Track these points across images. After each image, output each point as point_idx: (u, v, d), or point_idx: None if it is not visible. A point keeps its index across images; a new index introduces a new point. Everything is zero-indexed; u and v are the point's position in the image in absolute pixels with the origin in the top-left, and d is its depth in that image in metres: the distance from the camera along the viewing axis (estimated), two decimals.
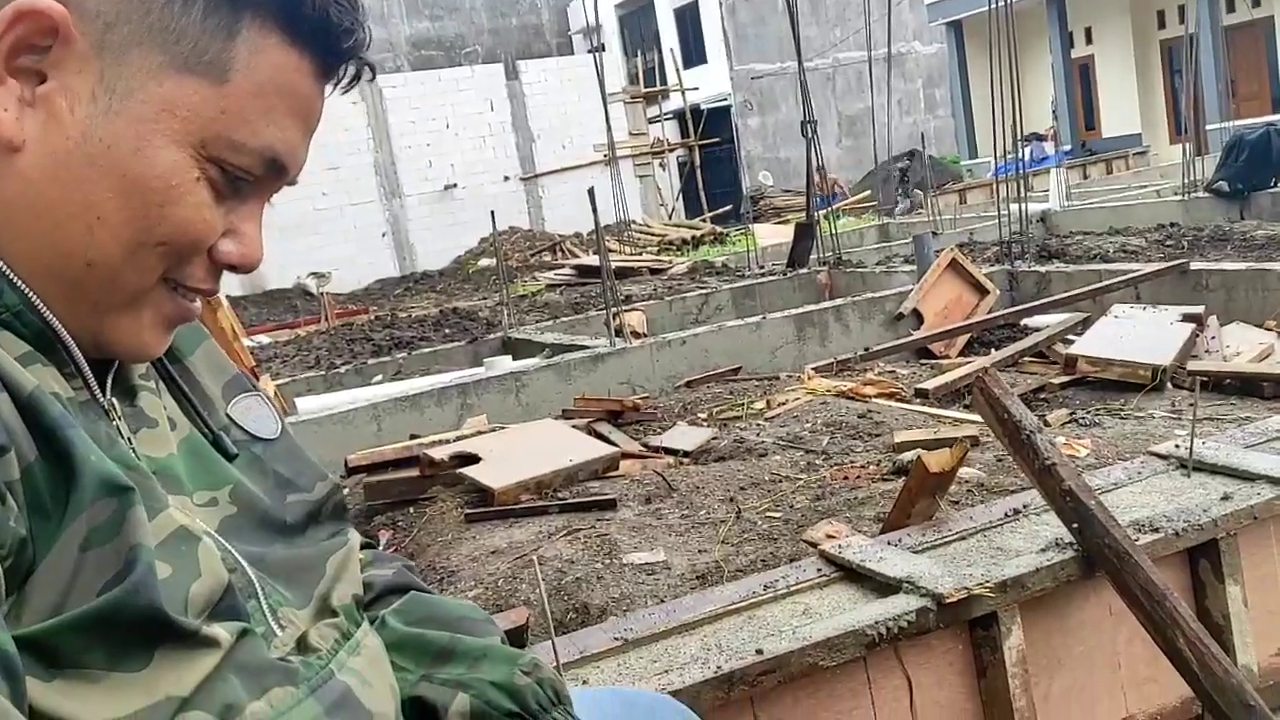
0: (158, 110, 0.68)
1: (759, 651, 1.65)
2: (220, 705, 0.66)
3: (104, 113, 0.68)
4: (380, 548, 1.06)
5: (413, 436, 4.46)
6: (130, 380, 0.78)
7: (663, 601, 2.34)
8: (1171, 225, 8.39)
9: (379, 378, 6.28)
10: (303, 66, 0.73)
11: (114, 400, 0.75)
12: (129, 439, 0.73)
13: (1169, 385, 4.15)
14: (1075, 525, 1.83)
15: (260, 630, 0.73)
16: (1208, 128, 15.38)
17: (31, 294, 0.69)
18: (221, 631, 0.68)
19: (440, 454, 3.70)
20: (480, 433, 4.12)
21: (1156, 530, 1.93)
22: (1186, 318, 4.50)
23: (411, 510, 3.63)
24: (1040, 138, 18.52)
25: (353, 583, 0.85)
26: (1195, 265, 5.41)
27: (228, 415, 0.86)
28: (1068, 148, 19.77)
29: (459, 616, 0.96)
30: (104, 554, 0.63)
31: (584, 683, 1.68)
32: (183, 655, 0.65)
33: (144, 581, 0.63)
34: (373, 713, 0.77)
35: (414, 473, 3.74)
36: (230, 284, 14.47)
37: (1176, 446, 2.38)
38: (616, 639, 1.80)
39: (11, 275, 0.68)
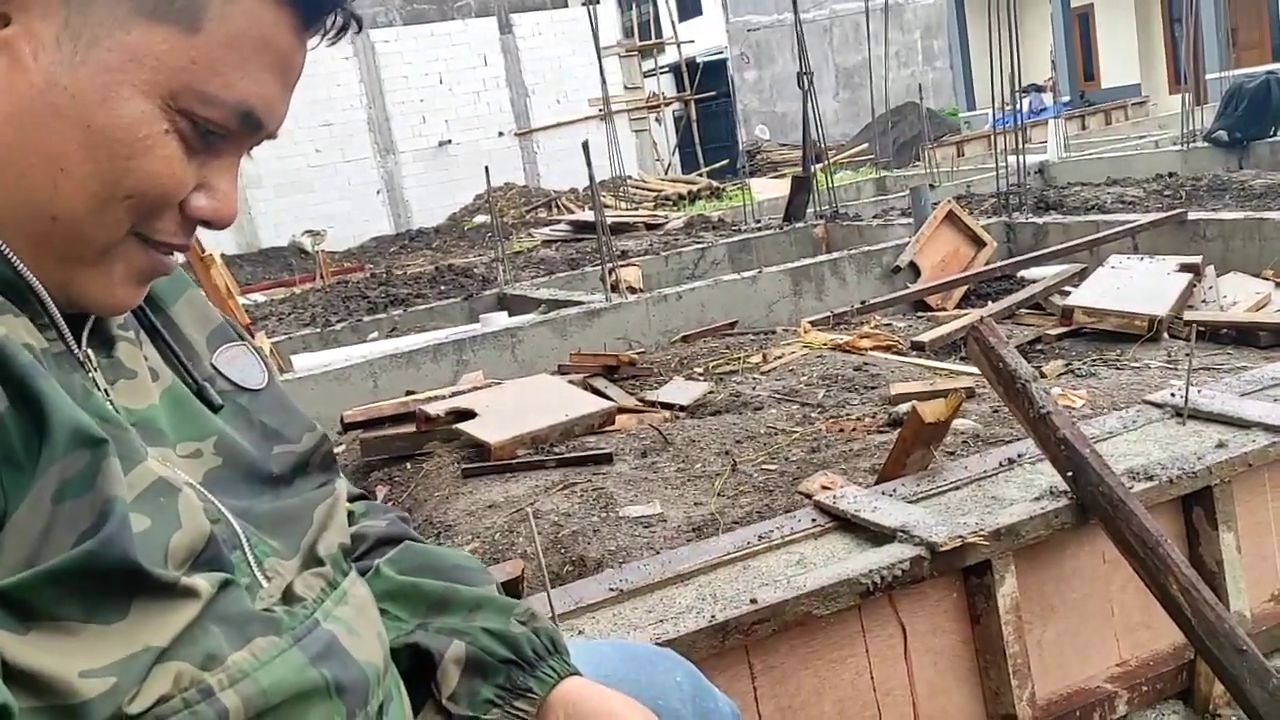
0: (125, 59, 0.66)
1: (753, 601, 1.65)
2: (201, 655, 0.66)
3: (69, 60, 0.65)
4: (378, 502, 1.05)
5: (409, 393, 4.46)
6: (108, 331, 0.76)
7: (658, 553, 2.35)
8: (1170, 175, 8.34)
9: (375, 335, 6.28)
10: (281, 18, 0.70)
11: (90, 352, 0.73)
12: (105, 390, 0.72)
13: (1165, 335, 4.15)
14: (1069, 473, 1.83)
15: (245, 581, 0.72)
16: (1207, 77, 15.24)
17: (1, 244, 0.67)
18: (202, 582, 0.67)
19: (436, 410, 3.70)
20: (476, 388, 4.12)
21: (1151, 478, 1.93)
22: (1183, 268, 4.49)
23: (408, 466, 3.64)
24: (1039, 89, 18.36)
25: (339, 531, 0.84)
26: (1193, 215, 5.38)
27: (213, 365, 0.84)
28: (1066, 99, 19.61)
29: (454, 565, 0.96)
30: (78, 506, 0.62)
31: (580, 633, 1.69)
32: (161, 606, 0.65)
33: (118, 534, 0.62)
34: (359, 661, 0.77)
35: (410, 428, 3.74)
36: (225, 243, 14.40)
37: (1172, 395, 2.38)
38: (612, 590, 1.81)
39: None
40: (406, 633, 0.90)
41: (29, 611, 0.60)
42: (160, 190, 0.69)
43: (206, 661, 0.66)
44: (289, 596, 0.75)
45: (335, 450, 0.99)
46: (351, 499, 0.99)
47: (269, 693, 0.68)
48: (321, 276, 10.18)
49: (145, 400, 0.75)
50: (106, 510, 0.63)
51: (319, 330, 6.45)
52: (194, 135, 0.69)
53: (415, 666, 0.89)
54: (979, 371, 2.15)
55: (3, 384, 0.62)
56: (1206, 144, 9.75)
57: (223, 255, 7.47)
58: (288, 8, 0.70)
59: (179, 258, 0.77)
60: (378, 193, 17.33)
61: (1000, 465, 2.15)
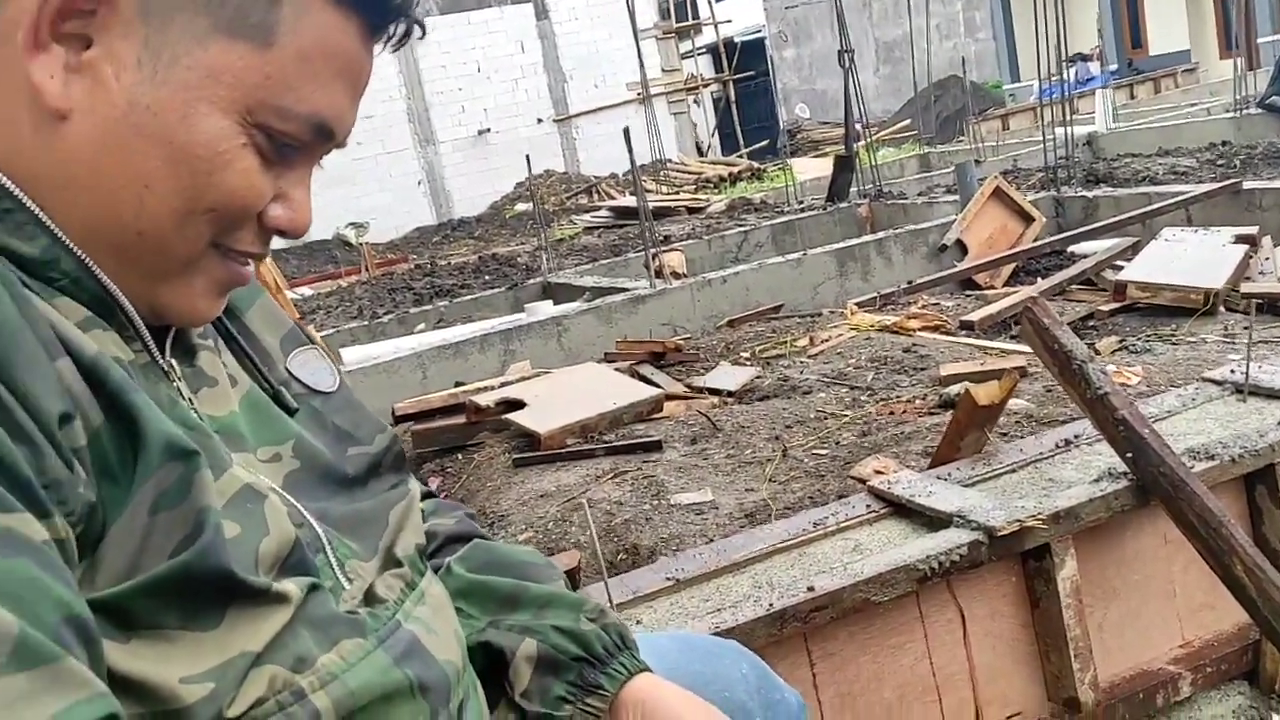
0: (203, 77, 0.68)
1: (810, 589, 1.66)
2: (293, 658, 0.68)
3: (149, 80, 0.67)
4: (446, 500, 1.07)
5: (458, 384, 4.51)
6: (189, 340, 0.78)
7: (711, 541, 2.36)
8: (1223, 144, 8.15)
9: (421, 326, 6.33)
10: (349, 27, 0.72)
11: (173, 361, 0.75)
12: (190, 399, 0.74)
13: (1222, 309, 4.07)
14: (1129, 455, 1.82)
15: (329, 584, 0.74)
16: (1259, 41, 14.86)
17: (88, 260, 0.69)
18: (292, 587, 0.69)
19: (486, 400, 3.73)
20: (524, 378, 4.15)
21: (1212, 457, 1.91)
22: (1239, 239, 4.39)
23: (460, 457, 3.68)
24: (1085, 58, 17.96)
25: (415, 532, 0.86)
26: (1248, 185, 5.27)
27: (287, 369, 0.87)
28: (1114, 67, 19.21)
29: (522, 562, 0.97)
30: (173, 517, 0.64)
31: (638, 623, 1.70)
32: (254, 612, 0.67)
33: (212, 544, 0.65)
34: (440, 661, 0.79)
35: (461, 420, 3.78)
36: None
37: (1231, 371, 2.34)
38: (668, 579, 1.82)
39: (68, 242, 0.68)
40: (478, 630, 0.92)
41: (130, 620, 0.62)
42: (241, 203, 0.71)
43: (297, 664, 0.68)
44: (370, 598, 0.77)
45: None
46: (421, 497, 1.01)
47: (357, 694, 0.70)
48: (367, 269, 10.27)
49: (226, 407, 0.77)
50: (201, 521, 0.65)
51: (366, 323, 6.52)
52: (270, 148, 0.71)
53: (488, 664, 0.91)
54: (1032, 351, 2.13)
55: (98, 399, 0.64)
56: (1260, 110, 9.51)
57: (271, 250, 7.55)
58: (355, 18, 0.72)
59: (253, 267, 0.79)
60: (419, 183, 17.43)
61: (1057, 447, 2.13)
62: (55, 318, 0.65)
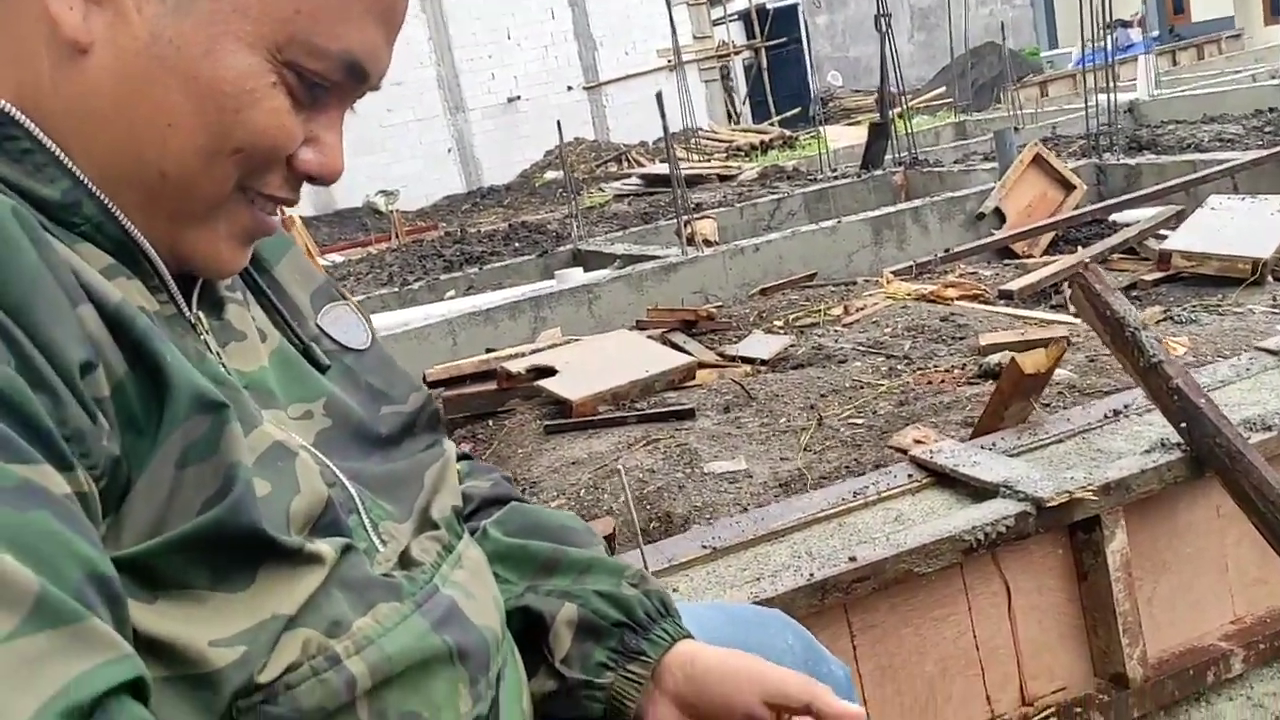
0: (229, 10, 0.64)
1: (852, 559, 1.62)
2: (327, 622, 0.65)
3: (172, 12, 0.63)
4: (482, 462, 1.04)
5: (488, 350, 4.48)
6: (217, 293, 0.75)
7: (745, 510, 2.32)
8: (1270, 111, 7.94)
9: (452, 293, 6.31)
10: None
11: (200, 314, 0.72)
12: (217, 353, 0.71)
13: (1270, 279, 3.97)
14: (1183, 425, 1.76)
15: (363, 545, 0.71)
16: None
17: (110, 204, 0.66)
18: (325, 548, 0.66)
19: (517, 367, 3.71)
20: (555, 345, 4.12)
21: (1269, 428, 1.85)
22: None
23: (491, 423, 3.66)
24: (1126, 24, 17.61)
25: (451, 494, 0.83)
26: None
27: (318, 325, 0.83)
28: (1155, 34, 18.81)
29: (561, 526, 0.94)
30: (202, 471, 0.61)
31: (675, 591, 1.67)
32: (287, 573, 0.64)
33: (243, 500, 0.61)
34: (479, 626, 0.75)
35: (492, 386, 3.76)
36: (301, 204, 14.58)
37: None
38: (705, 547, 1.79)
39: (90, 185, 0.65)
40: (516, 595, 0.88)
41: (157, 579, 0.59)
42: (269, 143, 0.67)
43: (332, 628, 0.65)
44: (406, 561, 0.74)
45: None
46: (456, 459, 0.98)
47: (394, 660, 0.67)
48: (397, 236, 10.26)
49: (255, 362, 0.74)
50: (231, 475, 0.61)
51: (397, 289, 6.51)
52: (300, 88, 0.68)
53: (526, 629, 0.87)
54: (1080, 319, 2.07)
55: (121, 348, 0.61)
56: None
57: (300, 217, 7.56)
58: None
59: (279, 218, 0.75)
60: (448, 151, 17.38)
61: (1105, 417, 2.07)
62: (77, 263, 0.62)
